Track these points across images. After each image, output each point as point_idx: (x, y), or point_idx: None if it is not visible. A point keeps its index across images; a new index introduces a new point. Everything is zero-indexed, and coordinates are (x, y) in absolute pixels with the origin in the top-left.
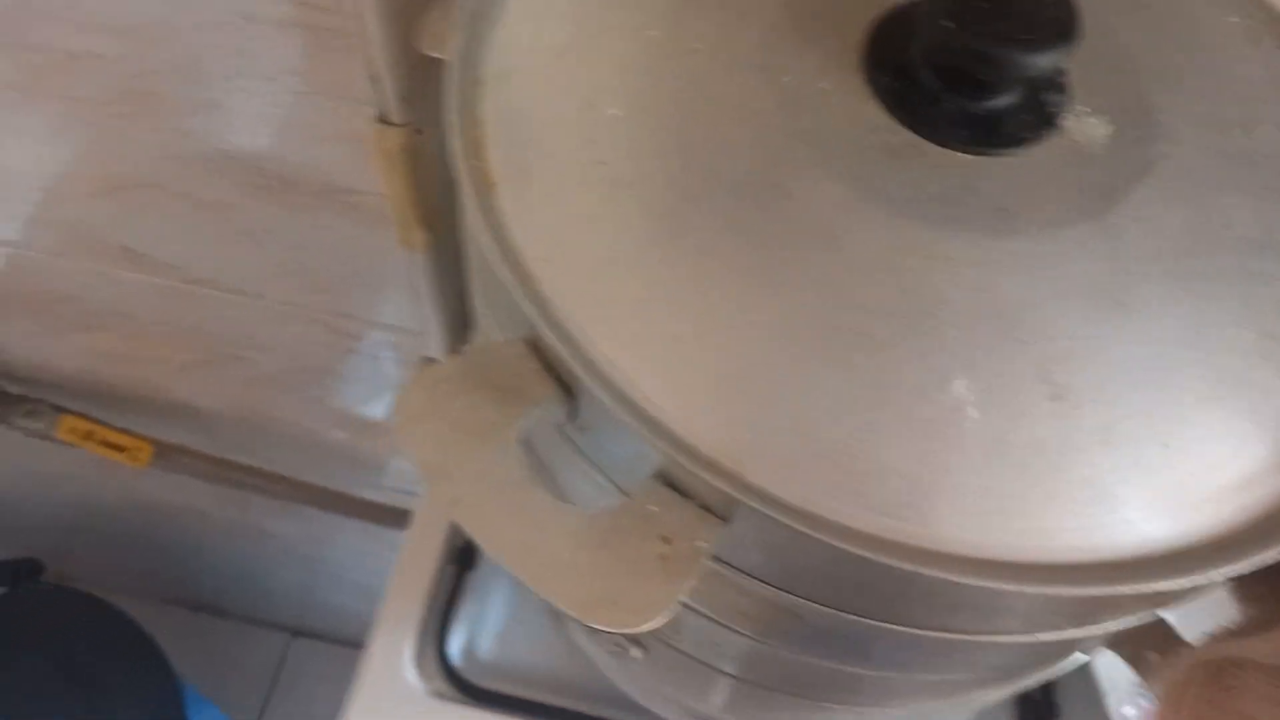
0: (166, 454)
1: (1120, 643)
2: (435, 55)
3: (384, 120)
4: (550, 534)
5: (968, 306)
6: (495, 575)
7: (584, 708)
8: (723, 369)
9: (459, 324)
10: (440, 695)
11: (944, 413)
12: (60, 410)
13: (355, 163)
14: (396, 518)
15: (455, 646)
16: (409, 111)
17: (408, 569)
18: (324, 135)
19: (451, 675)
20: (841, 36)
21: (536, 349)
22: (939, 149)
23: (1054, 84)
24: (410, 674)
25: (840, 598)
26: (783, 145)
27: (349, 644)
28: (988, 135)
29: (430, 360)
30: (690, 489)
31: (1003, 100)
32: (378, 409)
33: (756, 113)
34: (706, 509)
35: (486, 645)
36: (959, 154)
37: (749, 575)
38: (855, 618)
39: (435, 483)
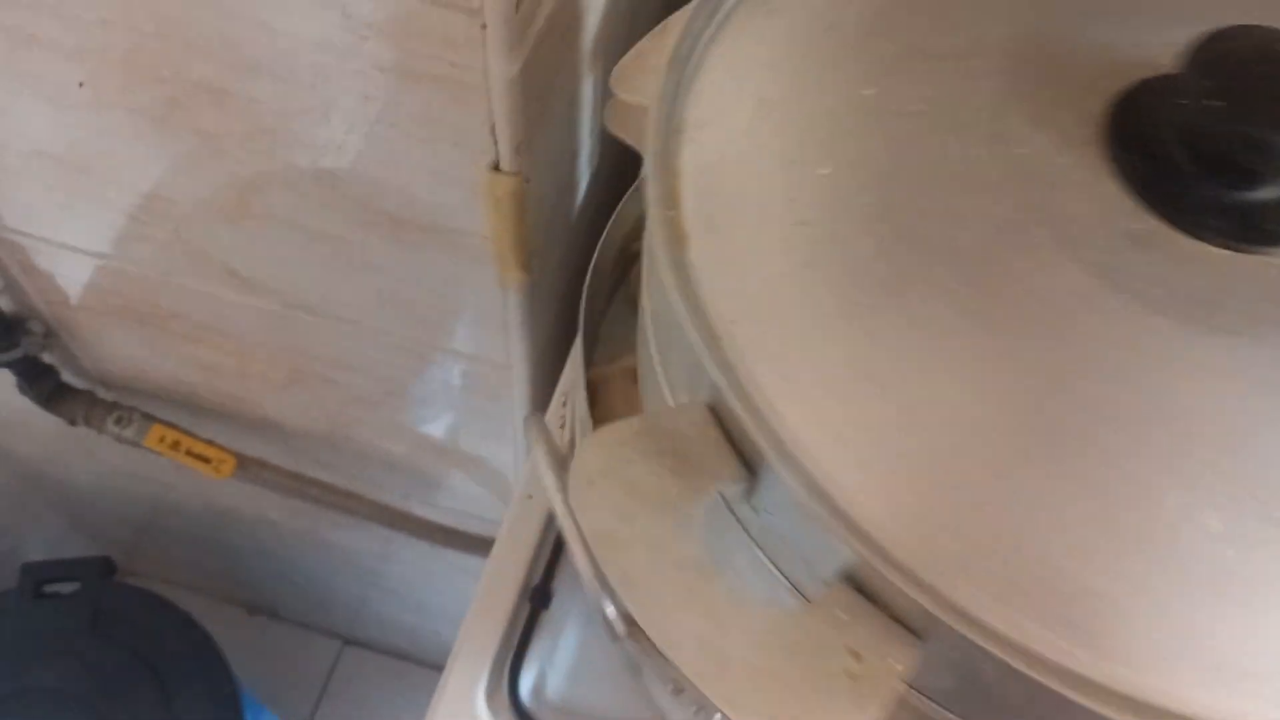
0: (248, 466)
1: None
2: (628, 99)
3: (496, 168)
4: (731, 632)
5: (1215, 422)
6: (568, 615)
7: None
8: (928, 464)
9: (543, 359)
10: None
11: (1180, 541)
12: (151, 419)
13: (465, 205)
14: (452, 538)
15: (526, 685)
16: (519, 161)
17: (486, 601)
18: (440, 179)
19: (521, 713)
20: (1078, 107)
21: (718, 417)
22: (1191, 240)
23: None
24: (481, 709)
25: None
26: (1014, 221)
27: (398, 655)
28: (1249, 230)
29: (538, 418)
30: (882, 597)
31: (1270, 192)
32: (440, 429)
33: (985, 183)
34: (899, 622)
35: (556, 685)
36: (1214, 248)
37: (937, 704)
38: None
39: (604, 553)
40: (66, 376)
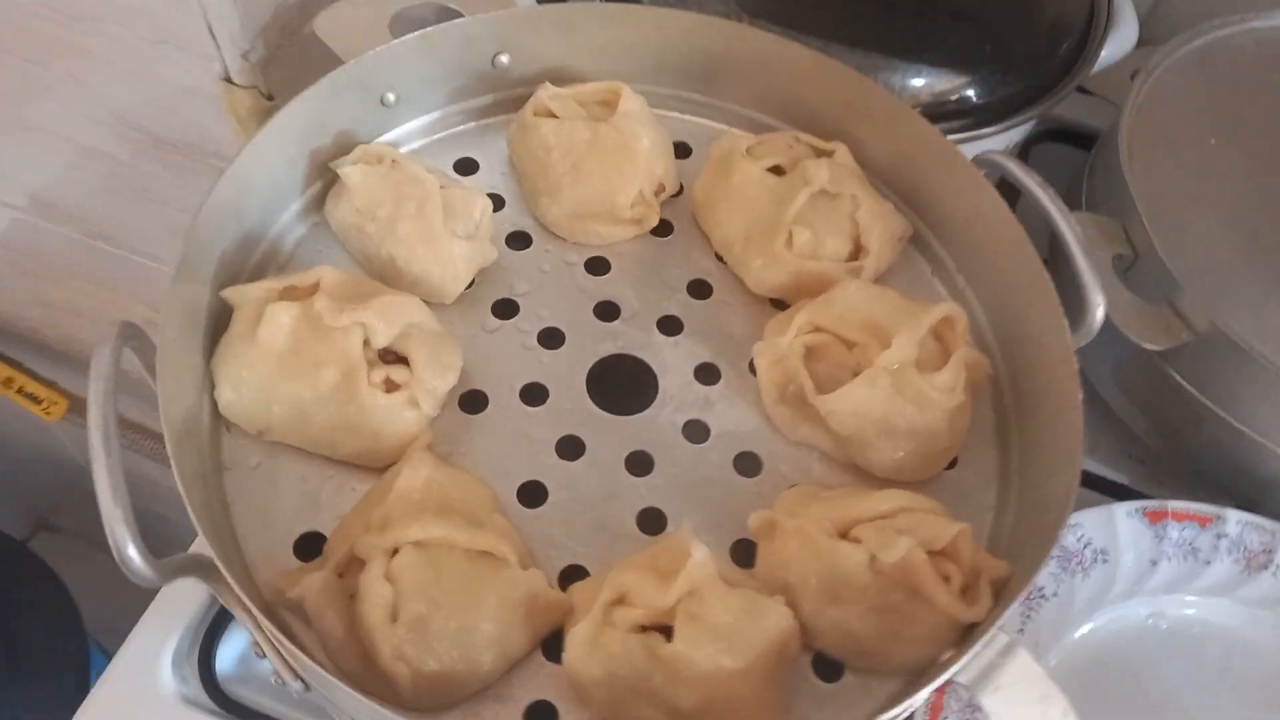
0: (82, 410)
1: None
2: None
3: (229, 80)
4: None
5: None
6: None
7: None
8: None
9: None
10: (192, 702)
11: None
12: None
13: (219, 125)
14: None
15: (228, 655)
16: (256, 74)
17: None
18: (183, 91)
19: (212, 685)
20: None
21: None
22: None
23: None
24: (167, 676)
25: None
26: None
27: None
28: None
29: None
30: None
31: None
32: None
33: None
34: None
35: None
36: None
37: None
38: None
39: None
40: None
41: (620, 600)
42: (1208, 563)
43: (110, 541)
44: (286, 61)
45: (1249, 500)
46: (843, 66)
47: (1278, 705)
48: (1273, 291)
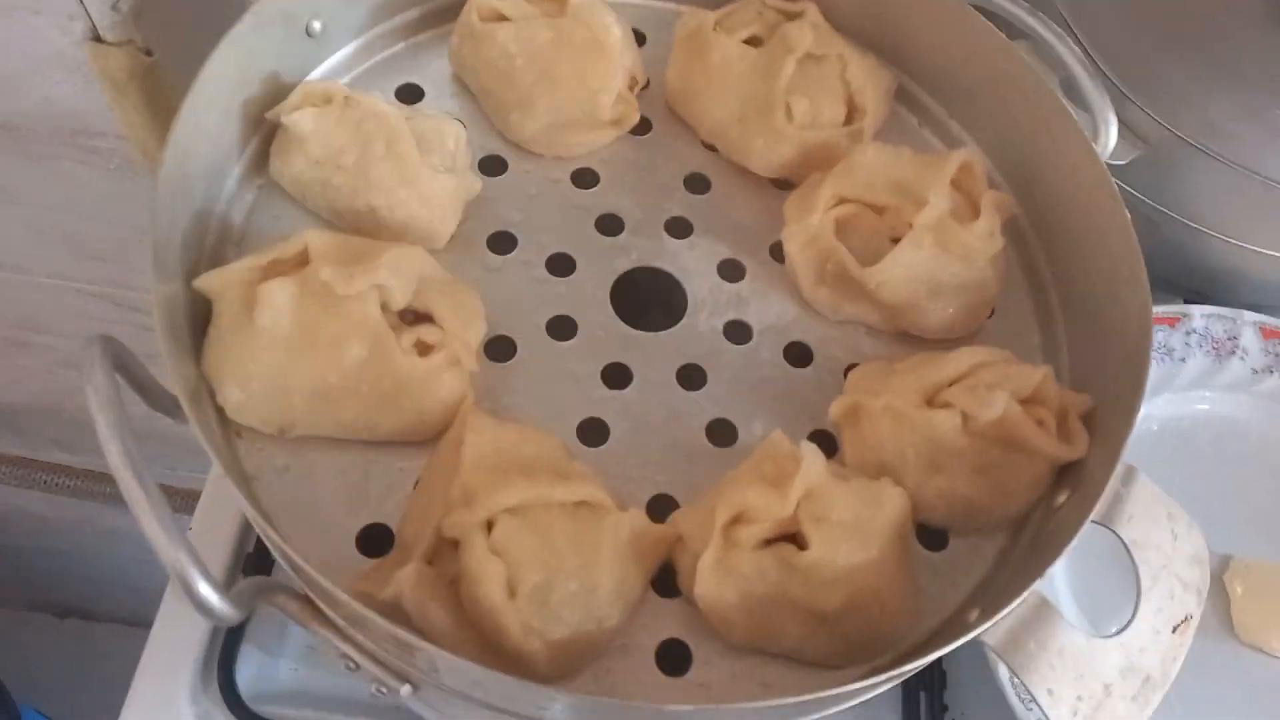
0: None
1: None
2: None
3: (98, 39)
4: None
5: None
6: None
7: None
8: None
9: None
10: None
11: None
12: None
13: (86, 98)
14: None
15: (246, 674)
16: (130, 28)
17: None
18: (41, 64)
19: (237, 704)
20: None
21: None
22: None
23: None
24: (185, 709)
25: None
26: None
27: None
28: None
29: None
30: None
31: None
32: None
33: None
34: None
35: (288, 672)
36: None
37: None
38: None
39: None
40: None
41: (738, 519)
42: (1183, 360)
43: (180, 585)
44: (156, 8)
45: (1201, 296)
46: None
47: (1270, 474)
48: (1215, 89)
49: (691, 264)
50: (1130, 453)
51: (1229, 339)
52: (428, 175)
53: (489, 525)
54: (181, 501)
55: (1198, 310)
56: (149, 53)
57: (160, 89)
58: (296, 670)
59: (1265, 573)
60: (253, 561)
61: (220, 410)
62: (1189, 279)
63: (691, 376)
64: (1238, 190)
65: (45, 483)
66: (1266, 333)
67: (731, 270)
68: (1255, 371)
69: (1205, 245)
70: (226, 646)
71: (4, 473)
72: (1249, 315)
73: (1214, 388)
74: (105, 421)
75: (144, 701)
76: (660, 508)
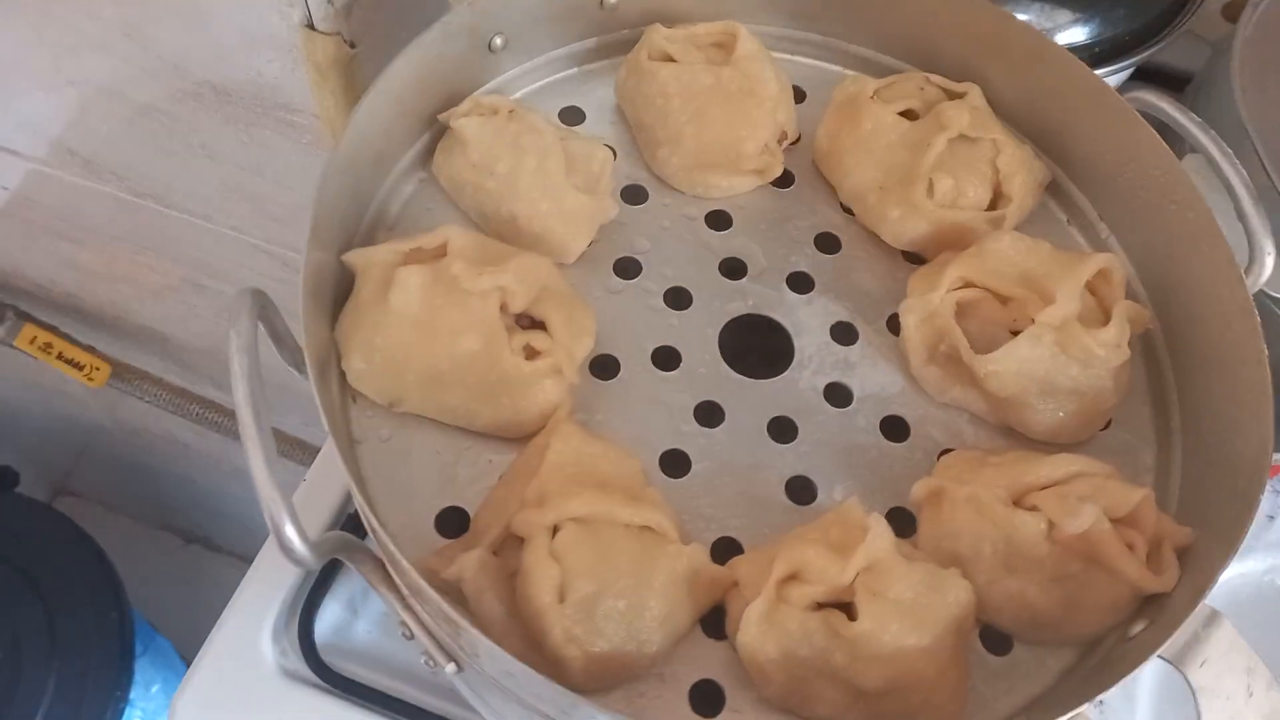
0: (125, 376)
1: None
2: None
3: (311, 26)
4: None
5: None
6: None
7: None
8: None
9: None
10: (291, 674)
11: None
12: (25, 318)
13: (290, 76)
14: None
15: (324, 625)
16: (340, 20)
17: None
18: (254, 41)
19: (312, 655)
20: None
21: None
22: None
23: None
24: (266, 646)
25: None
26: None
27: None
28: None
29: None
30: None
31: None
32: None
33: None
34: None
35: (365, 632)
36: None
37: None
38: None
39: None
40: None
41: (794, 576)
42: (1271, 517)
43: (269, 524)
44: (366, 6)
45: None
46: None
47: None
48: None
49: (805, 320)
50: (1252, 605)
51: None
52: (569, 193)
53: (555, 529)
54: (306, 455)
55: None
56: (353, 45)
57: (356, 78)
58: (370, 633)
59: None
60: (351, 523)
61: (343, 375)
62: None
63: (783, 429)
64: None
65: (196, 414)
66: None
67: (844, 333)
68: None
69: None
70: (312, 596)
71: (163, 399)
72: None
73: None
74: (240, 363)
75: (232, 628)
76: (724, 550)
